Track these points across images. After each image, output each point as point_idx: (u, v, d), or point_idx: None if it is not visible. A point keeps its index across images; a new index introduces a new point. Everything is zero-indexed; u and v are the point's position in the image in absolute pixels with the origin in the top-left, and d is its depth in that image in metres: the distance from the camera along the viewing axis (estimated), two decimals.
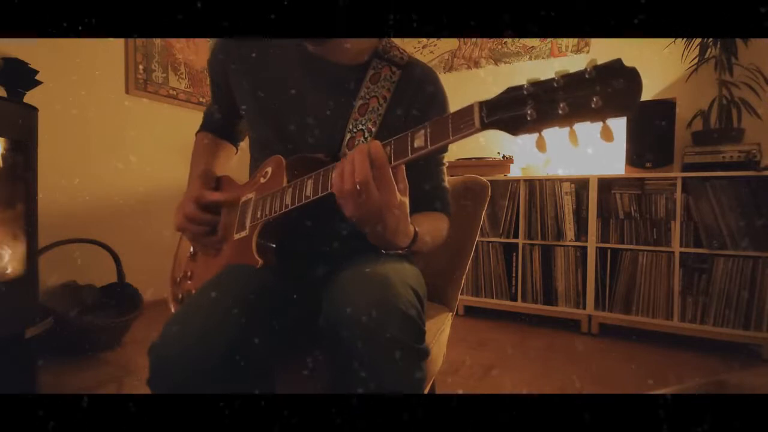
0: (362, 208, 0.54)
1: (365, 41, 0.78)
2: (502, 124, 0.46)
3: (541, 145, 0.46)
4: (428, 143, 0.51)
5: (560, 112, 0.43)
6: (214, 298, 0.61)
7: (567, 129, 0.44)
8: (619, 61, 0.41)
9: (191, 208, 0.76)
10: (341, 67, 0.76)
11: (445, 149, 0.83)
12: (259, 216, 0.70)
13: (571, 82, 0.43)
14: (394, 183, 0.55)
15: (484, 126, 0.47)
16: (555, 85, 0.43)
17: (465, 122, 0.48)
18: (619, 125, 2.04)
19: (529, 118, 0.44)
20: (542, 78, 0.45)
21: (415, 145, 0.52)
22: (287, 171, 0.70)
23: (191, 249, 0.86)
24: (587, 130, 0.46)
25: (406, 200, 0.58)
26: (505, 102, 0.46)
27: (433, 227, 0.73)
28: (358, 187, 0.53)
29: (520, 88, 0.46)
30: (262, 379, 0.61)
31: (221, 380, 0.55)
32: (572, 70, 0.43)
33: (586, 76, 0.42)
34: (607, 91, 0.41)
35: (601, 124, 0.42)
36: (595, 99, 0.41)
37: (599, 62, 0.42)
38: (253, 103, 0.79)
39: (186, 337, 0.56)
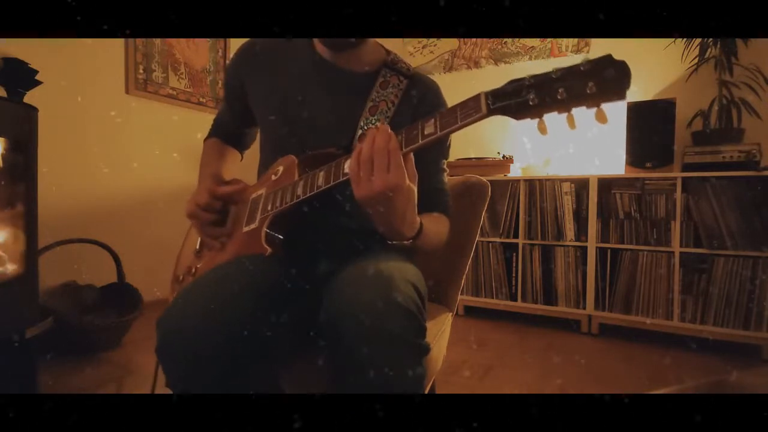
0: (372, 187, 0.56)
1: (375, 53, 0.83)
2: (506, 109, 0.51)
3: (542, 128, 0.51)
4: (438, 130, 0.55)
5: (559, 97, 0.48)
6: (220, 281, 0.61)
7: (565, 115, 0.49)
8: (609, 56, 0.47)
9: (204, 196, 0.78)
10: (353, 74, 0.81)
11: (446, 154, 0.87)
12: (269, 208, 0.72)
13: (568, 73, 0.48)
14: (404, 167, 0.56)
15: (491, 112, 0.51)
16: (553, 76, 0.49)
17: (472, 109, 0.52)
18: (619, 125, 2.04)
19: (531, 103, 0.49)
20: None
21: (426, 132, 0.56)
22: (299, 168, 0.72)
23: (197, 245, 0.87)
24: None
25: (415, 188, 0.59)
26: (509, 91, 0.51)
27: (435, 227, 0.75)
28: (371, 157, 0.55)
29: (521, 79, 0.51)
30: (263, 364, 0.61)
31: (223, 361, 0.55)
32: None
33: (581, 68, 0.47)
34: (600, 79, 0.46)
35: (595, 109, 0.47)
36: (590, 85, 0.46)
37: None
38: (267, 106, 0.82)
39: (189, 315, 0.56)
